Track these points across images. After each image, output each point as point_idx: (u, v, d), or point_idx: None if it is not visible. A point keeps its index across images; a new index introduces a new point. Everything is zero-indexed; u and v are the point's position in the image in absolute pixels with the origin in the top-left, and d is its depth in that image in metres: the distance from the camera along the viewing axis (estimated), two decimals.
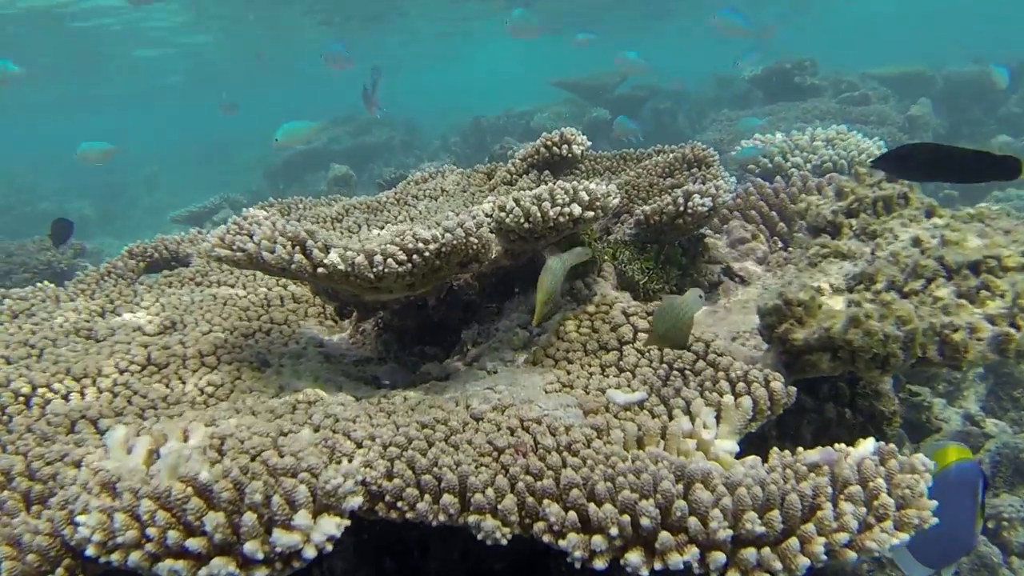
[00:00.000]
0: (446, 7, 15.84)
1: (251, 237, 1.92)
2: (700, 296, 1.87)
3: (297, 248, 1.83)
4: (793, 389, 1.69)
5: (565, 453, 1.46)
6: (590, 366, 1.94)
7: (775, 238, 3.89)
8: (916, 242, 2.01)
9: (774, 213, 3.90)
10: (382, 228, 2.79)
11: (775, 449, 1.47)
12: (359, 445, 1.48)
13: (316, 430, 1.59)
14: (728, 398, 1.67)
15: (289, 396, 1.91)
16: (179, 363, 2.12)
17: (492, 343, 2.25)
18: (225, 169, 16.79)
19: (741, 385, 1.70)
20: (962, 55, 12.66)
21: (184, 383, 2.04)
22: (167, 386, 2.02)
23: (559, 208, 1.97)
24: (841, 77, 10.52)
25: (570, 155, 2.66)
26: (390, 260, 1.78)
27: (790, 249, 3.03)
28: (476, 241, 1.85)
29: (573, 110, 11.39)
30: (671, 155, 3.13)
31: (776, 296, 1.75)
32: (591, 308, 2.17)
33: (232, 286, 2.79)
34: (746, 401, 1.65)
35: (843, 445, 1.38)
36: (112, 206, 16.05)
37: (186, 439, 1.40)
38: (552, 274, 1.92)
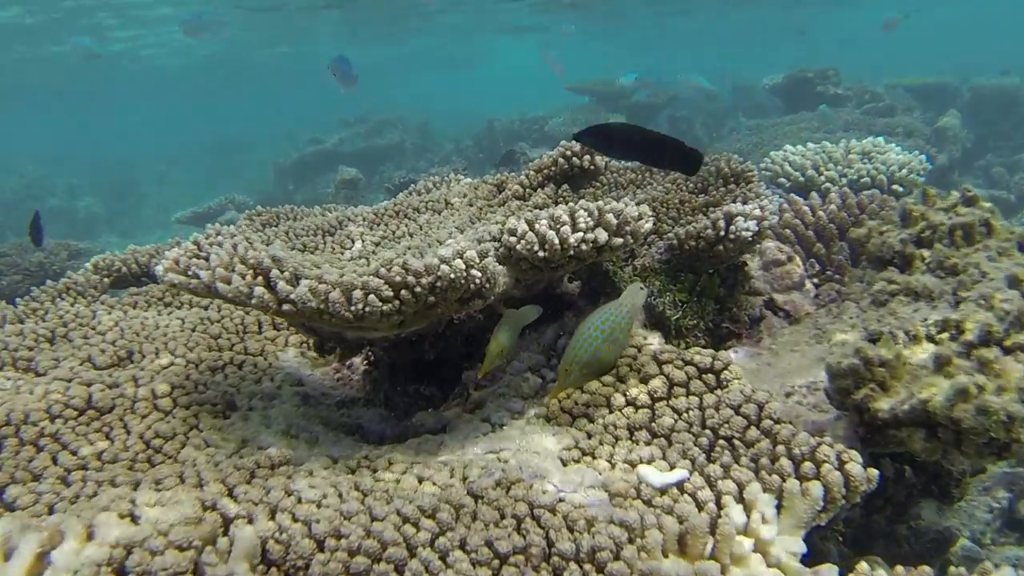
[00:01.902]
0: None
1: (208, 262, 1.59)
2: (641, 288, 1.70)
3: (259, 279, 1.49)
4: (875, 473, 1.34)
5: (588, 567, 1.11)
6: (615, 427, 1.59)
7: (812, 260, 3.55)
8: (1014, 282, 1.65)
9: (811, 233, 3.55)
10: (377, 244, 2.46)
11: (864, 567, 1.12)
12: (320, 546, 1.14)
13: (272, 515, 1.25)
14: (792, 483, 1.32)
15: (250, 457, 1.57)
16: (127, 406, 1.79)
17: (498, 388, 1.91)
18: (236, 168, 16.57)
19: (808, 465, 1.35)
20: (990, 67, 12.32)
21: (129, 433, 1.70)
22: (107, 437, 1.68)
23: (581, 234, 1.62)
24: (865, 87, 10.18)
25: (592, 167, 2.32)
26: (372, 297, 1.44)
27: (845, 280, 2.68)
28: (479, 275, 1.51)
29: (589, 116, 11.05)
30: (704, 168, 2.79)
31: (852, 353, 1.40)
32: None
33: (205, 307, 2.46)
34: (816, 488, 1.31)
35: (964, 572, 1.04)
36: (121, 204, 15.86)
37: (90, 537, 1.07)
38: (511, 329, 1.74)
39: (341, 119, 13.80)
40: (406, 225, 2.54)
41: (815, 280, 3.37)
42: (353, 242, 2.48)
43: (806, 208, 3.62)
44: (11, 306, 2.42)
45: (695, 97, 12.30)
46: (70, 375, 1.89)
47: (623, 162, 3.11)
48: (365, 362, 2.18)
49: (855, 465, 1.32)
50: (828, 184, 4.67)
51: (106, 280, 2.63)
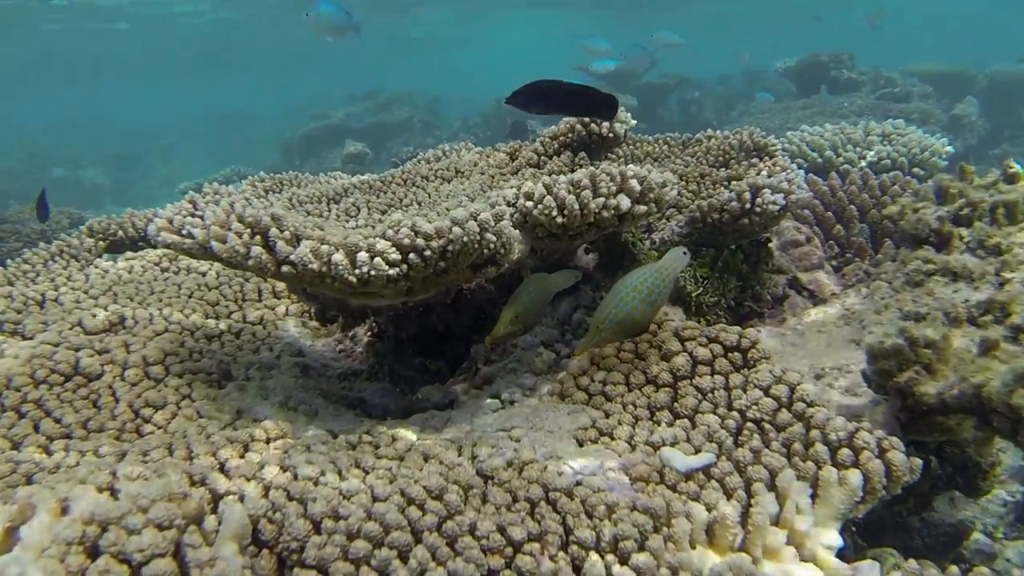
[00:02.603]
0: None
1: (203, 220, 1.48)
2: (684, 253, 1.60)
3: (257, 238, 1.39)
4: (918, 463, 1.24)
5: (611, 557, 1.01)
6: (635, 407, 1.48)
7: (831, 242, 3.45)
8: None
9: (830, 213, 3.45)
10: (384, 212, 2.36)
11: (912, 564, 1.02)
12: (316, 527, 1.04)
13: (265, 492, 1.15)
14: (829, 471, 1.22)
15: (244, 430, 1.47)
16: (117, 373, 1.69)
17: (508, 362, 1.81)
18: (242, 142, 16.46)
19: (845, 452, 1.25)
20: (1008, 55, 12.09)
21: (117, 401, 1.61)
22: (94, 405, 1.59)
23: (603, 200, 1.52)
24: (880, 73, 10.00)
25: (611, 135, 2.20)
26: (378, 260, 1.34)
27: (866, 260, 2.57)
28: (494, 239, 1.40)
29: None
30: (725, 141, 2.67)
31: (896, 333, 1.29)
32: None
33: (203, 274, 2.36)
34: (854, 477, 1.20)
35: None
36: (126, 176, 15.77)
37: (64, 512, 0.98)
38: (533, 295, 1.63)
39: (350, 95, 13.65)
40: (414, 193, 2.43)
41: (834, 263, 3.27)
42: (359, 210, 2.38)
43: (825, 188, 3.51)
44: (1, 267, 2.32)
45: (706, 84, 12.15)
46: (58, 339, 1.79)
47: (640, 134, 2.99)
48: (369, 333, 2.08)
49: (897, 453, 1.22)
50: (847, 166, 4.56)
51: (101, 244, 2.53)
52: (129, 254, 2.45)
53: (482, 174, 2.47)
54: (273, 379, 1.80)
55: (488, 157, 2.59)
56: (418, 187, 2.51)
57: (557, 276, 1.70)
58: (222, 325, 2.04)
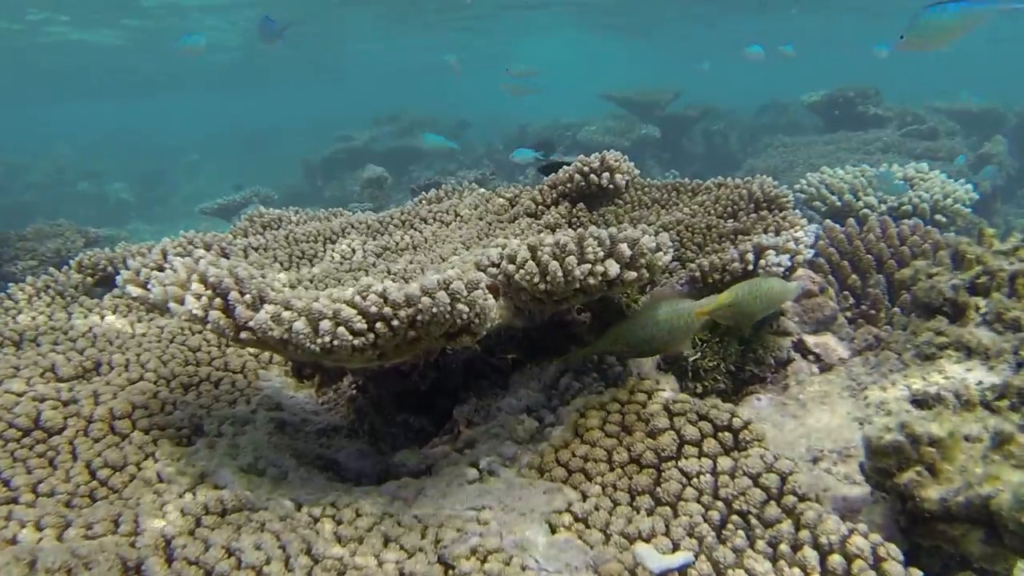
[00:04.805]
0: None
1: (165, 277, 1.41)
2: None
3: (217, 301, 1.31)
4: (919, 574, 1.13)
5: None
6: (615, 489, 1.39)
7: (845, 292, 3.34)
8: None
9: (846, 263, 3.34)
10: (378, 255, 2.29)
11: None
12: None
13: None
14: None
15: (200, 498, 1.39)
16: (80, 427, 1.61)
17: (491, 427, 1.71)
18: (267, 161, 16.57)
19: (836, 559, 1.14)
20: None
21: (76, 459, 1.53)
22: (50, 464, 1.51)
23: (588, 266, 1.43)
24: (907, 109, 9.86)
25: (611, 186, 2.12)
26: (342, 329, 1.25)
27: (880, 316, 2.46)
28: (466, 310, 1.32)
29: (622, 125, 10.84)
30: (734, 191, 2.58)
31: (897, 428, 1.19)
32: (623, 395, 1.62)
33: None
34: None
35: None
36: (151, 192, 15.93)
37: None
38: (651, 324, 1.63)
39: (374, 117, 13.69)
40: (410, 236, 2.37)
41: (848, 314, 3.15)
42: (354, 252, 2.31)
43: (842, 236, 3.40)
44: None
45: (732, 115, 12.07)
46: (24, 388, 1.72)
47: (648, 179, 2.92)
48: (352, 386, 2.00)
49: (895, 565, 1.11)
50: (867, 210, 4.44)
51: (89, 280, 2.46)
52: (116, 292, 2.39)
53: (480, 220, 2.40)
54: (246, 435, 1.72)
55: (488, 201, 2.51)
56: (416, 230, 2.45)
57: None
58: (201, 372, 1.96)
